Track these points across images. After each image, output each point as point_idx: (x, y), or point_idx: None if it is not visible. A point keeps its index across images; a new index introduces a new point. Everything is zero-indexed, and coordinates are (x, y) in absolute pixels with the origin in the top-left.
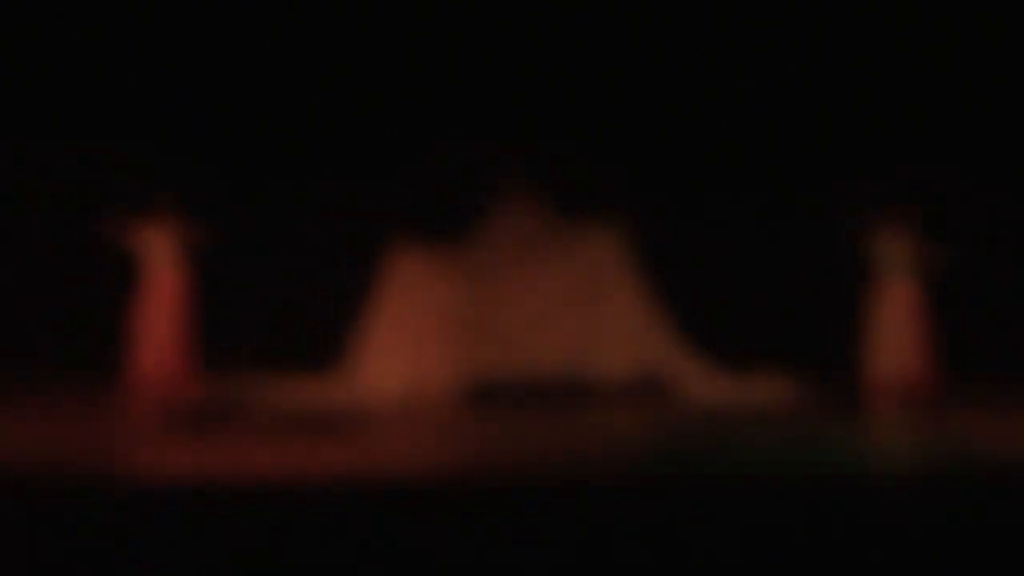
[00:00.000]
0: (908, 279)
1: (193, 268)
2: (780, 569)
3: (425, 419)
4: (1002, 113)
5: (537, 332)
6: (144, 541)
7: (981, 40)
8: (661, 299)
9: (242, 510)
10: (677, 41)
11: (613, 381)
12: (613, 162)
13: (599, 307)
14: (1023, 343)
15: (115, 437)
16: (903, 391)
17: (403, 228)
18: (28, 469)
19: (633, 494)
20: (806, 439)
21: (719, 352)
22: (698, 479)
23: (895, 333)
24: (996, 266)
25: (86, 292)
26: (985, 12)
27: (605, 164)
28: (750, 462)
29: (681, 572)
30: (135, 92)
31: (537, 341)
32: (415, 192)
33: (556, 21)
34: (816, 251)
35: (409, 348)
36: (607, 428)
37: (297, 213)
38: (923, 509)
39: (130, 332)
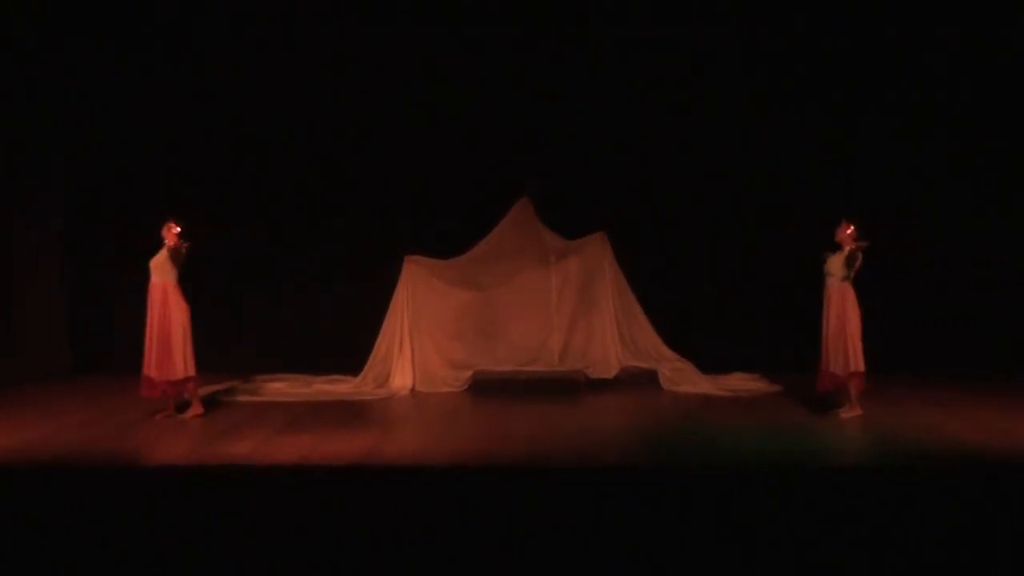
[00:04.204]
0: (849, 283)
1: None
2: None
3: (433, 409)
4: None
5: (533, 332)
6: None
7: None
8: (647, 302)
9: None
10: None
11: (605, 375)
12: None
13: (592, 309)
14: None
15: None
16: (850, 386)
17: (415, 238)
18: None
19: (627, 477)
20: (776, 429)
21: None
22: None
23: (842, 332)
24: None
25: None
26: None
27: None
28: (728, 449)
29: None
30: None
31: (533, 339)
32: (426, 204)
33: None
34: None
35: (418, 347)
36: (599, 417)
37: (316, 228)
38: (879, 494)
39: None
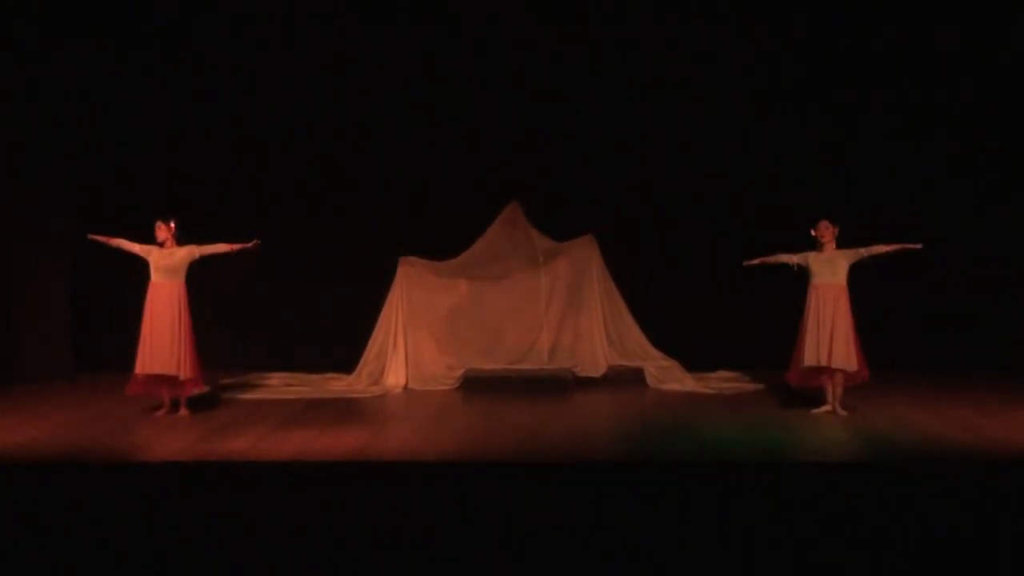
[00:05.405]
0: (839, 282)
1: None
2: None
3: (426, 406)
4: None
5: (524, 331)
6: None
7: None
8: (634, 302)
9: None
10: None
11: (593, 373)
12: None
13: (580, 309)
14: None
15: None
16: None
17: (408, 240)
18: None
19: (614, 472)
20: (754, 424)
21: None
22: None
23: (822, 329)
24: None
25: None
26: None
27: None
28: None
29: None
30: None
31: (523, 338)
32: (420, 207)
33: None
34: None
35: (412, 346)
36: (587, 414)
37: (315, 228)
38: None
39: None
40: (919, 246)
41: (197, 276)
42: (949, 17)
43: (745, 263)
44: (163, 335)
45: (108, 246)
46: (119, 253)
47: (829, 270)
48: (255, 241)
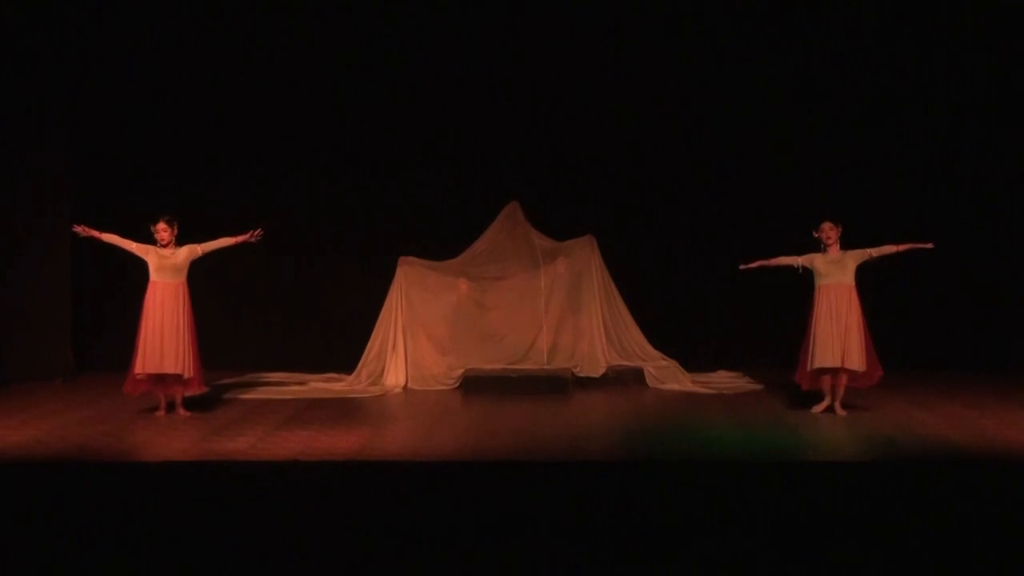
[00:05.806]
0: (849, 282)
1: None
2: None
3: (426, 406)
4: None
5: (523, 331)
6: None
7: None
8: (633, 303)
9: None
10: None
11: (593, 374)
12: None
13: (580, 309)
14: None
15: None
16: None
17: (408, 240)
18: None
19: (613, 471)
20: (757, 425)
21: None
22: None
23: (835, 330)
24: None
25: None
26: None
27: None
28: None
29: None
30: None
31: (523, 339)
32: (419, 207)
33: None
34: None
35: (411, 346)
36: (587, 414)
37: (315, 227)
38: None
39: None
40: (930, 245)
41: (198, 276)
42: (950, 17)
43: (742, 267)
44: (167, 335)
45: (100, 241)
46: (116, 252)
47: (838, 271)
48: (257, 231)
